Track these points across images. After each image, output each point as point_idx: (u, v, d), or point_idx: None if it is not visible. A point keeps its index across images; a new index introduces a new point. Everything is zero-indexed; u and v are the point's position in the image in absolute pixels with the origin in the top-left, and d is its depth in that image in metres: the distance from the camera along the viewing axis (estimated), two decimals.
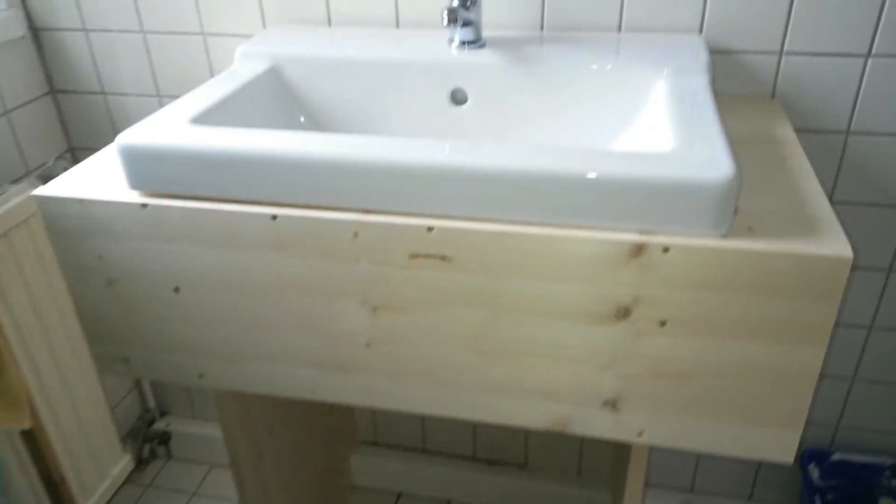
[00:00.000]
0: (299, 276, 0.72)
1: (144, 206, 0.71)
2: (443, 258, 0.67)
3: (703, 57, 0.83)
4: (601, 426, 0.72)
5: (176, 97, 1.11)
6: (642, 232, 0.63)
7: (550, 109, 0.86)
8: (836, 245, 0.60)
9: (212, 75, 1.08)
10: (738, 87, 0.93)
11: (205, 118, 0.76)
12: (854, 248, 0.99)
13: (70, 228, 0.75)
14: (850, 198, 0.96)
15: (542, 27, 0.95)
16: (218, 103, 0.79)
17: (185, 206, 0.70)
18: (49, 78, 1.15)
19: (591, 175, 0.61)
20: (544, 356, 0.69)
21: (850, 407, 1.12)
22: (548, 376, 0.71)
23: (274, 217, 0.69)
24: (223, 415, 0.95)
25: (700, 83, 0.79)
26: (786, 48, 0.90)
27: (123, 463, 1.34)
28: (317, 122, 0.91)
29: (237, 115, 0.81)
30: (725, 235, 0.62)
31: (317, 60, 0.90)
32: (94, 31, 1.09)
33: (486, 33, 0.93)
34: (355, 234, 0.68)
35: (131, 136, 0.70)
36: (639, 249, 0.62)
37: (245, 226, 0.70)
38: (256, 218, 0.69)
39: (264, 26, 1.03)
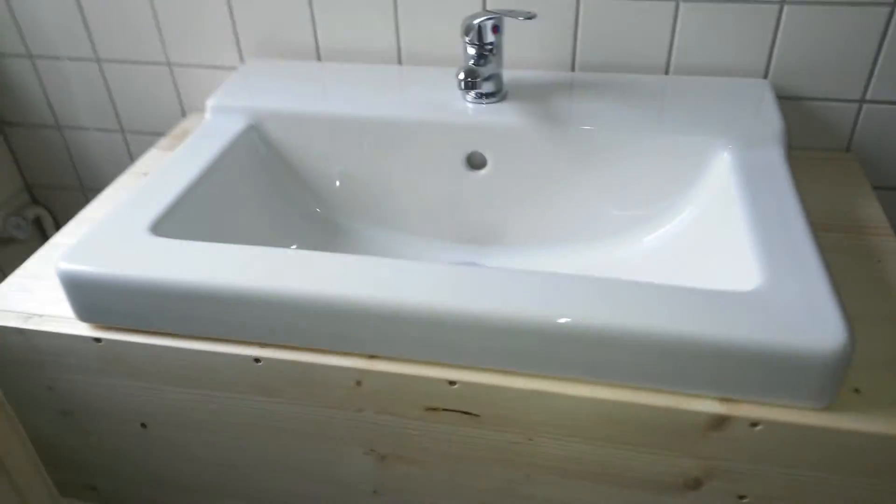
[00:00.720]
0: (288, 422, 0.59)
1: (98, 340, 0.58)
2: (467, 414, 0.54)
3: (774, 119, 0.68)
4: None
5: (143, 133, 0.96)
6: (723, 400, 0.50)
7: (582, 183, 0.71)
8: None
9: (182, 109, 0.92)
10: (807, 139, 0.78)
11: (171, 218, 0.61)
12: None
13: (11, 357, 0.61)
14: None
15: (573, 66, 0.79)
16: (187, 191, 0.64)
17: (147, 343, 0.57)
18: None
19: (656, 335, 0.48)
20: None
21: None
22: None
23: (257, 360, 0.55)
24: None
25: (774, 160, 0.64)
26: (868, 95, 0.74)
27: None
28: (310, 190, 0.76)
29: (213, 200, 0.66)
30: (829, 406, 0.49)
31: (306, 118, 0.74)
32: (40, 57, 0.92)
33: (507, 74, 0.77)
34: (358, 383, 0.55)
35: (75, 261, 0.56)
36: (719, 422, 0.49)
37: (221, 367, 0.56)
38: (236, 359, 0.56)
39: (241, 58, 0.86)
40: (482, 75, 0.65)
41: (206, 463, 0.64)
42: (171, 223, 0.61)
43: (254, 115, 0.75)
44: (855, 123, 0.76)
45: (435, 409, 0.54)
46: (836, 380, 0.47)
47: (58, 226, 1.08)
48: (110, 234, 0.58)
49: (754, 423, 0.49)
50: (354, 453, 0.59)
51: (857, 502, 0.51)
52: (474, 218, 0.75)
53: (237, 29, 0.84)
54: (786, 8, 0.71)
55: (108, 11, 0.86)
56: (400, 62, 0.82)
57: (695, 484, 0.53)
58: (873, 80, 0.73)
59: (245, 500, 0.67)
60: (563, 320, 0.49)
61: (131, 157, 0.98)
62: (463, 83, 0.64)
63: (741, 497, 0.53)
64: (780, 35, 0.73)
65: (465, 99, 0.73)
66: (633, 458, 0.53)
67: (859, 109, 0.75)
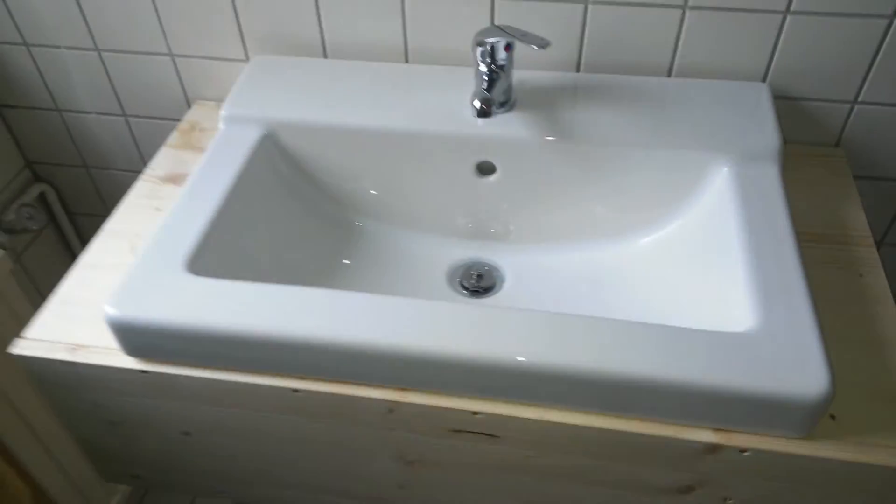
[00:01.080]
0: (325, 437, 0.65)
1: (144, 372, 0.62)
2: (489, 436, 0.61)
3: (772, 135, 0.71)
4: None
5: (146, 118, 0.96)
6: (717, 430, 0.56)
7: (586, 191, 0.75)
8: None
9: (186, 99, 0.92)
10: (800, 133, 0.81)
11: (205, 252, 0.64)
12: None
13: (59, 381, 0.66)
14: None
15: (578, 67, 0.80)
16: (216, 218, 0.66)
17: (192, 375, 0.61)
18: None
19: (660, 380, 0.54)
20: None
21: None
22: None
23: (295, 391, 0.61)
24: None
25: (770, 179, 0.68)
26: (861, 97, 0.77)
27: None
28: (328, 197, 0.79)
29: (240, 222, 0.69)
30: (808, 435, 0.56)
31: (320, 130, 0.76)
32: (36, 46, 0.91)
33: (516, 75, 0.78)
34: (390, 411, 0.60)
35: (119, 307, 0.59)
36: (713, 449, 0.56)
37: (262, 395, 0.62)
38: (275, 390, 0.61)
39: (246, 51, 0.86)
40: (496, 102, 0.66)
41: (246, 462, 0.71)
42: (206, 257, 0.64)
43: (267, 125, 0.76)
44: (846, 121, 0.80)
45: (459, 431, 0.61)
46: (816, 417, 0.54)
47: (63, 202, 1.09)
48: (150, 276, 0.61)
49: (743, 450, 0.56)
50: (383, 458, 0.66)
51: None
52: (483, 218, 0.79)
53: (241, 21, 0.83)
54: (789, 17, 0.73)
55: (106, 1, 0.84)
56: (407, 60, 0.83)
57: (687, 490, 0.61)
58: (866, 83, 0.76)
59: (279, 487, 0.74)
60: (571, 365, 0.54)
61: (134, 139, 0.99)
62: (478, 112, 0.66)
63: (725, 499, 0.61)
64: (781, 41, 0.74)
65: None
66: (635, 473, 0.60)
67: (851, 109, 0.79)
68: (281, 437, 0.66)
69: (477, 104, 0.66)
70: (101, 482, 1.19)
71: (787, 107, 0.79)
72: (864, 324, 0.63)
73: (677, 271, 0.70)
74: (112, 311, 0.59)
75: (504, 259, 0.78)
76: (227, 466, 0.72)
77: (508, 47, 0.69)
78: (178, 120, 0.93)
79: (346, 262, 0.77)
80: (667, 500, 0.62)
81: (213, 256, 0.65)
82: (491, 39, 0.68)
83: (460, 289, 0.76)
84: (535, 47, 0.64)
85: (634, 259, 0.74)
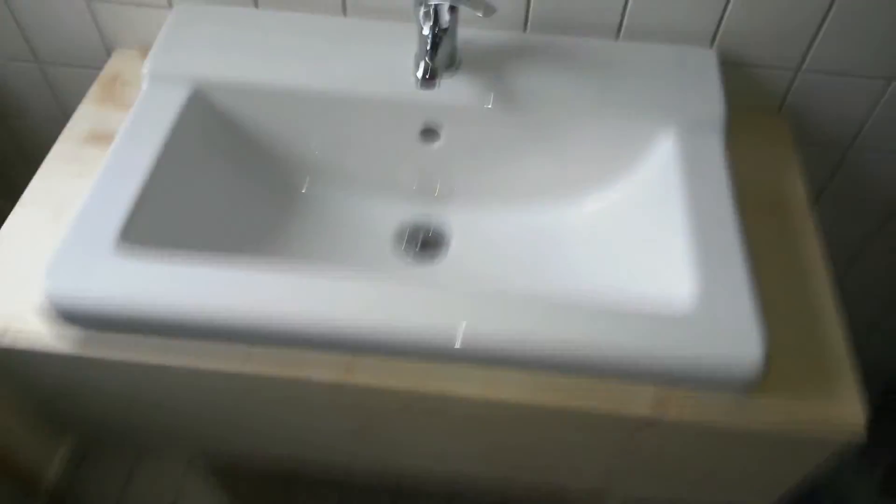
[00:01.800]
0: (276, 399, 0.64)
1: (78, 354, 0.59)
2: (438, 409, 0.61)
3: (717, 104, 0.71)
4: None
5: (62, 65, 0.88)
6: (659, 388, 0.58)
7: (534, 161, 0.74)
8: (851, 417, 0.58)
9: (105, 47, 0.85)
10: (745, 98, 0.81)
11: (137, 223, 0.60)
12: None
13: None
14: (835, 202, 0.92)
15: (525, 26, 0.77)
16: (146, 184, 0.63)
17: (130, 356, 0.59)
18: None
19: (606, 356, 0.55)
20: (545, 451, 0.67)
21: None
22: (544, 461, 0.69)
23: (239, 372, 0.59)
24: None
25: (714, 149, 0.68)
26: (805, 65, 0.77)
27: None
28: (266, 158, 0.75)
29: (173, 187, 0.66)
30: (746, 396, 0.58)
31: (252, 89, 0.71)
32: None
33: (461, 33, 0.74)
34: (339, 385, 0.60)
35: (53, 282, 0.56)
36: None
37: (209, 372, 0.60)
38: (223, 364, 0.59)
39: (170, 3, 0.79)
40: (440, 71, 0.63)
41: (194, 421, 0.69)
42: (139, 229, 0.61)
43: (195, 83, 0.71)
44: (788, 88, 0.80)
45: (408, 407, 0.61)
46: (753, 384, 0.56)
47: None
48: (80, 251, 0.58)
49: (682, 407, 0.58)
50: (335, 420, 0.66)
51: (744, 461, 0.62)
52: (428, 181, 0.77)
53: None
54: None
55: None
56: (345, 12, 0.78)
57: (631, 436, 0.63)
58: (811, 51, 0.76)
59: (231, 444, 0.73)
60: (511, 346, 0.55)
61: (51, 88, 0.92)
62: (421, 83, 0.63)
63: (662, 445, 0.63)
64: (730, 5, 0.73)
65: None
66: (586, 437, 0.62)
67: (794, 76, 0.79)
68: (231, 400, 0.65)
69: (420, 74, 0.63)
70: (43, 440, 1.17)
71: (734, 71, 0.79)
72: (799, 290, 0.65)
73: (621, 238, 0.71)
74: (49, 286, 0.56)
75: (449, 222, 0.77)
76: (176, 425, 0.71)
77: (453, 9, 0.65)
78: (100, 69, 0.86)
79: (289, 226, 0.74)
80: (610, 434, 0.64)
81: (146, 228, 0.61)
82: (433, 2, 0.65)
83: (405, 253, 0.75)
84: (480, 14, 0.61)
85: (578, 225, 0.74)
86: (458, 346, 0.55)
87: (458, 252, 0.75)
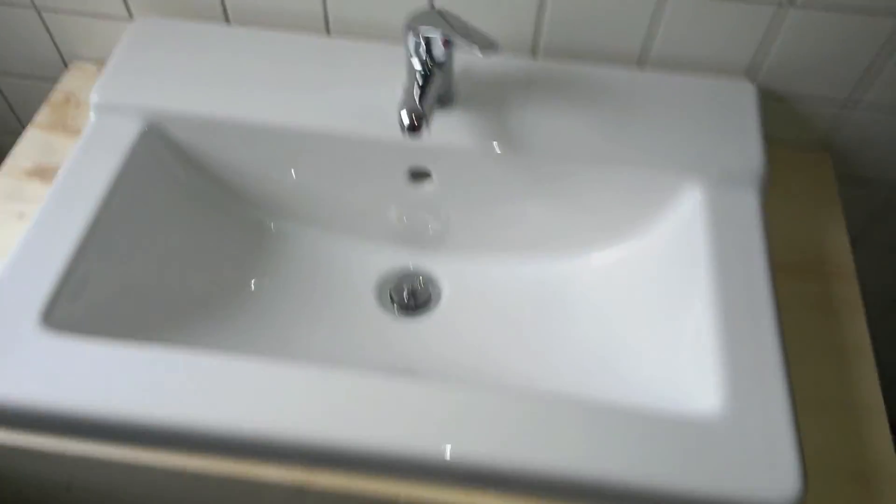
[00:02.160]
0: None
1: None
2: None
3: (755, 153, 0.61)
4: None
5: (17, 76, 0.79)
6: None
7: (536, 211, 0.64)
8: None
9: (62, 57, 0.76)
10: (784, 133, 0.71)
11: (68, 297, 0.52)
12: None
13: None
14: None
15: (534, 52, 0.67)
16: (85, 239, 0.54)
17: (60, 450, 0.51)
18: None
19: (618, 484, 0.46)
20: None
21: None
22: None
23: (184, 471, 0.51)
24: None
25: (748, 209, 0.58)
26: (855, 100, 0.67)
27: None
28: (237, 200, 0.66)
29: (124, 245, 0.57)
30: None
31: (215, 125, 0.62)
32: None
33: (459, 62, 0.64)
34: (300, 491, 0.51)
35: None
36: None
37: (145, 475, 0.52)
38: (161, 466, 0.51)
39: (129, 10, 0.69)
40: (427, 115, 0.53)
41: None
42: (70, 304, 0.52)
43: (150, 115, 0.62)
44: (834, 124, 0.70)
45: None
46: None
47: None
48: None
49: None
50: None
51: None
52: (418, 226, 0.68)
53: None
54: (786, 9, 0.60)
55: None
56: (328, 31, 0.68)
57: None
58: (863, 84, 0.66)
59: None
60: (501, 465, 0.46)
61: (6, 100, 0.82)
62: (406, 127, 0.53)
63: None
64: (773, 34, 0.63)
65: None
66: None
67: (840, 111, 0.68)
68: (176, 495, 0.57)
69: (405, 118, 0.53)
70: None
71: (775, 106, 0.69)
72: (837, 386, 0.56)
73: (632, 310, 0.61)
74: None
75: (440, 273, 0.68)
76: None
77: (448, 43, 0.55)
78: (56, 80, 0.77)
79: (261, 280, 0.65)
80: None
81: (79, 301, 0.53)
82: (426, 29, 0.55)
83: (391, 305, 0.66)
84: (479, 53, 0.51)
85: (583, 288, 0.65)
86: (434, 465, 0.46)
87: (448, 306, 0.66)
